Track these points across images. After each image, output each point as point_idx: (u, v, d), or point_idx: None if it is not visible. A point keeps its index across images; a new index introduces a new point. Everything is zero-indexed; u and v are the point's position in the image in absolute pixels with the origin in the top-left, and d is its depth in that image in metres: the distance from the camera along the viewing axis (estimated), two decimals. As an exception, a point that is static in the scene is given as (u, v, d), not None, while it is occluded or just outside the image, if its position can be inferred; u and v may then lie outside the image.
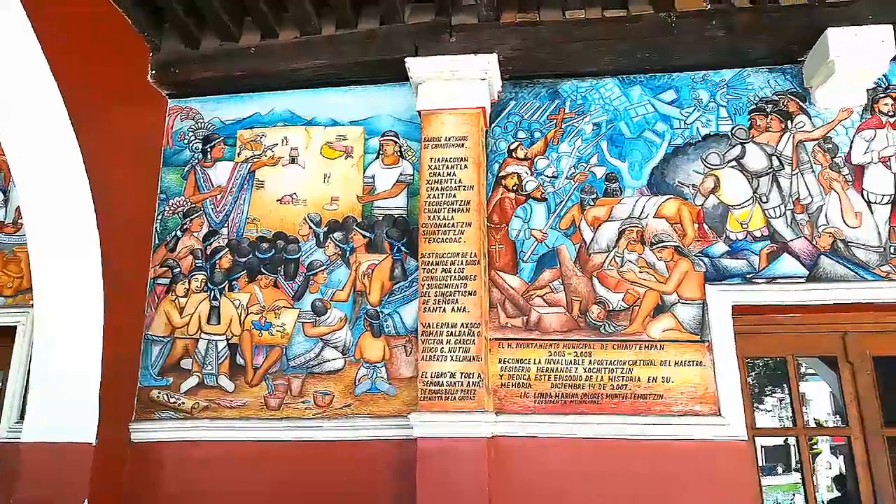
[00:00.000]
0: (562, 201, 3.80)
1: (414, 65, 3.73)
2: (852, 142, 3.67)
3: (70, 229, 3.43)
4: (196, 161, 4.15)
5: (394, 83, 4.03)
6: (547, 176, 3.86)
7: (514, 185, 3.86)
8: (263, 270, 3.85)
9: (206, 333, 3.79)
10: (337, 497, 3.43)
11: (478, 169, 3.66)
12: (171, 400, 3.72)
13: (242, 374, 3.72)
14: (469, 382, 3.31)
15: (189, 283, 3.90)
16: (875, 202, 3.56)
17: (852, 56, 3.45)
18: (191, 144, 4.19)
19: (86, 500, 3.25)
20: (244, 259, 3.90)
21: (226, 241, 3.96)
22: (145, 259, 3.96)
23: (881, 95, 3.71)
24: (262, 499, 3.48)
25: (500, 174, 3.89)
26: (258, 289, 3.84)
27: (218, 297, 3.84)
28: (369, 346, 3.66)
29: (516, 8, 3.80)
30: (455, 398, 3.29)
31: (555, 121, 3.96)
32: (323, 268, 3.83)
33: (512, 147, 3.93)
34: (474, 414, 3.24)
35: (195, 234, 4.00)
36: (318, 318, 3.73)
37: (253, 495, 3.48)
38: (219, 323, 3.80)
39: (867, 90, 3.70)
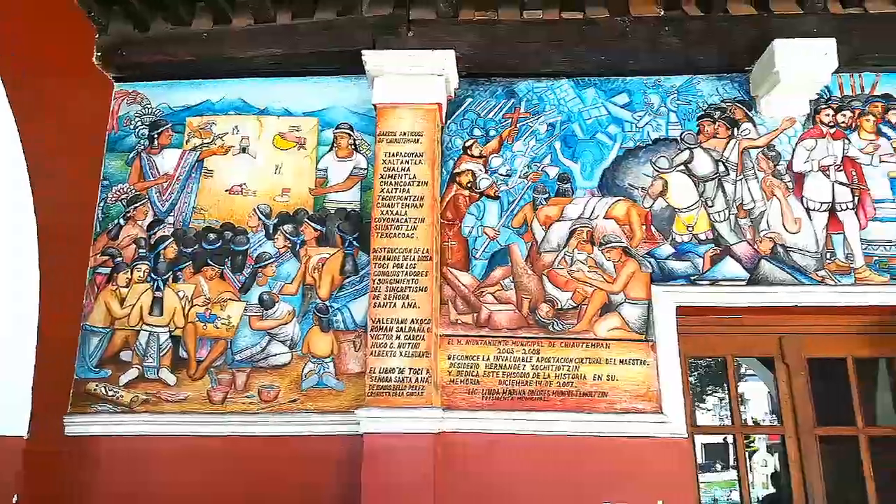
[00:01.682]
0: (515, 200, 3.83)
1: (371, 58, 3.70)
2: (794, 150, 3.80)
3: (4, 213, 3.28)
4: (142, 147, 4.02)
5: (350, 75, 3.98)
6: (501, 174, 3.88)
7: (468, 183, 3.86)
8: (210, 262, 3.76)
9: (147, 325, 3.68)
10: (281, 493, 3.38)
11: (432, 165, 3.66)
12: (109, 393, 3.59)
13: (185, 367, 3.63)
14: (418, 378, 3.30)
15: (131, 272, 3.77)
16: (814, 209, 3.69)
17: (796, 67, 3.58)
18: (137, 130, 4.06)
19: (16, 497, 3.12)
20: (190, 249, 3.80)
21: (171, 230, 3.85)
22: (85, 247, 3.82)
23: (823, 106, 3.85)
24: (203, 494, 3.40)
25: (455, 171, 3.89)
26: (204, 280, 3.74)
27: (161, 287, 3.74)
28: (317, 341, 3.61)
29: (475, 5, 3.81)
30: (403, 394, 3.28)
31: (510, 120, 3.98)
32: (272, 260, 3.76)
33: (467, 144, 3.94)
34: (422, 410, 3.23)
35: (139, 223, 3.88)
36: (265, 312, 3.67)
37: (194, 490, 3.39)
38: (161, 314, 3.70)
39: (810, 101, 3.84)
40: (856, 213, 3.67)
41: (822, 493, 3.54)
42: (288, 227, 3.80)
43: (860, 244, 3.61)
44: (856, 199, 3.70)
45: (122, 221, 3.88)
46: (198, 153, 3.99)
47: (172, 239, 3.82)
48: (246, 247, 3.79)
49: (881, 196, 3.70)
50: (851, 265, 3.58)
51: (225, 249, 3.79)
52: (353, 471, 3.22)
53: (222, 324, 3.67)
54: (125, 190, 3.95)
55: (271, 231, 3.80)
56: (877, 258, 3.59)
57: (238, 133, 4.00)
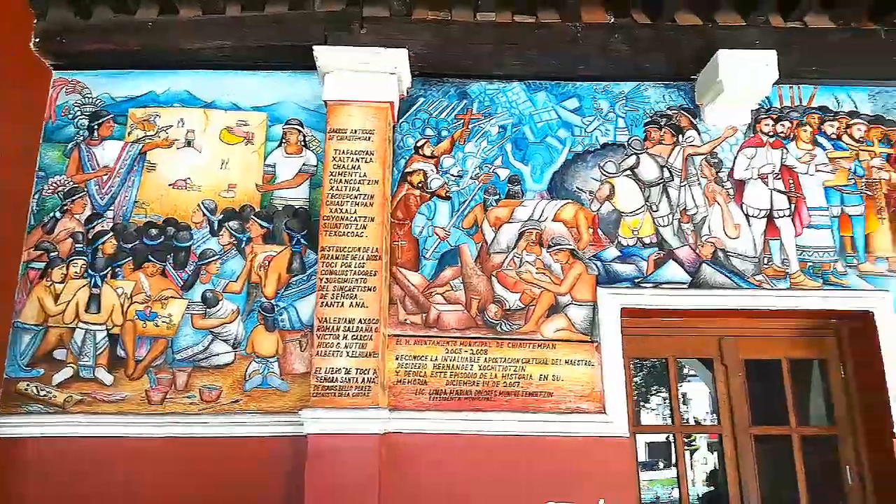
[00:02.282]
0: (465, 201, 3.84)
1: (322, 54, 3.65)
2: (735, 158, 3.92)
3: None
4: (81, 139, 3.87)
5: (301, 71, 3.92)
6: (452, 175, 3.88)
7: (419, 182, 3.85)
8: (151, 258, 3.65)
9: (84, 322, 3.54)
10: (223, 495, 3.31)
11: (383, 163, 3.63)
12: (42, 393, 3.45)
13: (123, 366, 3.50)
14: (364, 379, 3.27)
15: (67, 268, 3.62)
16: (752, 216, 3.82)
17: (739, 77, 3.69)
18: (76, 120, 3.90)
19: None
20: (130, 245, 3.67)
21: (111, 224, 3.71)
22: (18, 240, 3.65)
23: (763, 116, 3.99)
24: (141, 497, 3.30)
25: (406, 170, 3.88)
26: (144, 277, 3.63)
27: (99, 284, 3.60)
28: (262, 340, 3.54)
29: (428, 5, 3.81)
30: (349, 394, 3.25)
31: (462, 121, 3.99)
32: (216, 257, 3.66)
33: (419, 144, 3.93)
34: (368, 410, 3.20)
35: (76, 217, 3.73)
36: (208, 310, 3.58)
37: (130, 492, 3.30)
38: (99, 312, 3.56)
39: (751, 110, 3.97)
40: (792, 220, 3.81)
41: (757, 490, 3.66)
42: (233, 224, 3.71)
43: (795, 250, 3.75)
44: (792, 206, 3.84)
45: (58, 215, 3.73)
46: (140, 145, 3.87)
47: (112, 234, 3.69)
48: (189, 243, 3.69)
49: (816, 204, 3.85)
50: (787, 270, 3.72)
51: (167, 245, 3.68)
52: (297, 472, 3.17)
53: (163, 322, 3.56)
54: (62, 182, 3.79)
55: (216, 227, 3.71)
56: (811, 264, 3.73)
57: (183, 126, 3.89)
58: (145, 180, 3.81)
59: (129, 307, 3.58)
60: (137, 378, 3.49)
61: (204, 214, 3.74)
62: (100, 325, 3.54)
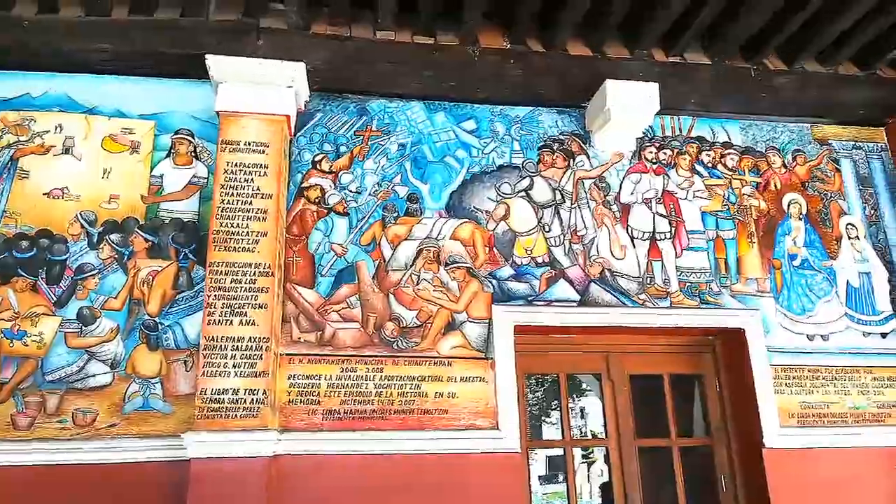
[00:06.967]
0: (364, 217, 3.82)
1: (215, 63, 3.55)
2: (622, 183, 4.13)
3: None
4: (-57, 141, 3.57)
5: (193, 79, 3.79)
6: (350, 191, 3.86)
7: (316, 198, 3.80)
8: (21, 272, 3.39)
9: (-61, 342, 3.24)
10: (97, 525, 3.09)
11: (278, 177, 3.56)
12: None
13: (-15, 389, 3.23)
14: (253, 399, 3.16)
15: (-79, 282, 3.32)
16: (637, 238, 4.02)
17: (625, 107, 3.89)
18: (-62, 122, 3.60)
19: None
20: (-3, 258, 3.41)
21: (-26, 235, 3.44)
22: None
23: (647, 144, 4.23)
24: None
25: (303, 185, 3.82)
26: (12, 292, 3.36)
27: (-41, 299, 3.31)
28: (144, 360, 3.36)
29: (327, 20, 3.78)
30: (237, 416, 3.13)
31: (361, 137, 3.98)
32: (95, 272, 3.45)
33: (317, 159, 3.89)
34: (255, 432, 3.09)
35: (-64, 226, 3.43)
36: (84, 328, 3.36)
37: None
38: (-42, 329, 3.27)
39: (636, 138, 4.19)
40: (672, 242, 4.04)
41: (640, 500, 3.81)
42: (115, 237, 3.51)
43: (675, 271, 3.98)
44: (673, 229, 4.08)
45: (-85, 224, 3.41)
46: (12, 151, 3.60)
47: (-25, 245, 3.41)
48: (65, 256, 3.45)
49: (694, 228, 4.11)
50: (668, 290, 3.93)
51: (39, 259, 3.43)
52: (178, 499, 3.01)
53: (32, 341, 3.31)
54: (-81, 188, 3.48)
55: (96, 240, 3.50)
56: (689, 284, 3.97)
57: (61, 132, 3.66)
58: (16, 188, 3.55)
59: (-7, 325, 3.31)
60: (2, 402, 3.23)
61: (82, 226, 3.52)
62: (-42, 344, 3.25)
